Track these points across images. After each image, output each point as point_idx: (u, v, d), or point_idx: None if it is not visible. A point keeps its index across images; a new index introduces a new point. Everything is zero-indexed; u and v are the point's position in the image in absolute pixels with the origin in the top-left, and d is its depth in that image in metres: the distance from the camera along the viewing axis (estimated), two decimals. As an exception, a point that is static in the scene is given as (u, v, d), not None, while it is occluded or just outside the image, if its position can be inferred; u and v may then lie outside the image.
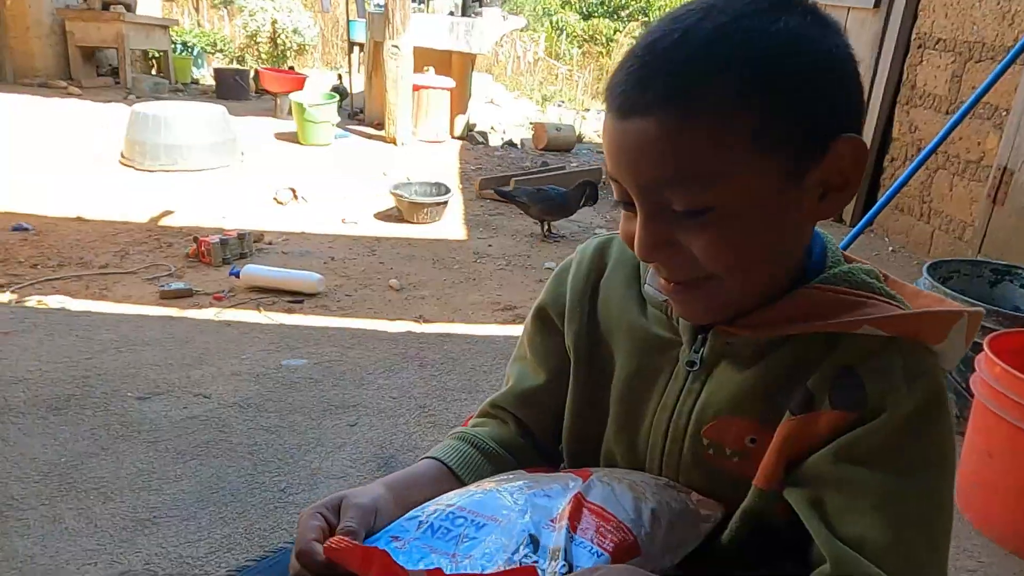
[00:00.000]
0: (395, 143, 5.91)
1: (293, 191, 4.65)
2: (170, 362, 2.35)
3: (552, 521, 0.66)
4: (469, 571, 0.62)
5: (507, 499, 0.70)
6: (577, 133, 6.94)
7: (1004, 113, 3.23)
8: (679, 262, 0.64)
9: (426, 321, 2.99)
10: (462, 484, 0.79)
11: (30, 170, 4.63)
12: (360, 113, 6.83)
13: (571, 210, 4.19)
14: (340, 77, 7.76)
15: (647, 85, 0.58)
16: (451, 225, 4.47)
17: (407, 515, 0.71)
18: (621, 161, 0.62)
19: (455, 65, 6.44)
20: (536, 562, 0.62)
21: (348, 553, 0.63)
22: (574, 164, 5.90)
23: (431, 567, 0.64)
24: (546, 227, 4.28)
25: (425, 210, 4.38)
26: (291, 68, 8.81)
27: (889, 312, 0.65)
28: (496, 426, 0.89)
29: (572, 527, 0.64)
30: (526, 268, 3.82)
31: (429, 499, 0.74)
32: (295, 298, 3.20)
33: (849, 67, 0.62)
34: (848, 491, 0.63)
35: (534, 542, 0.63)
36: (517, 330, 2.90)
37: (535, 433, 0.88)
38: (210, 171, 4.90)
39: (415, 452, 1.99)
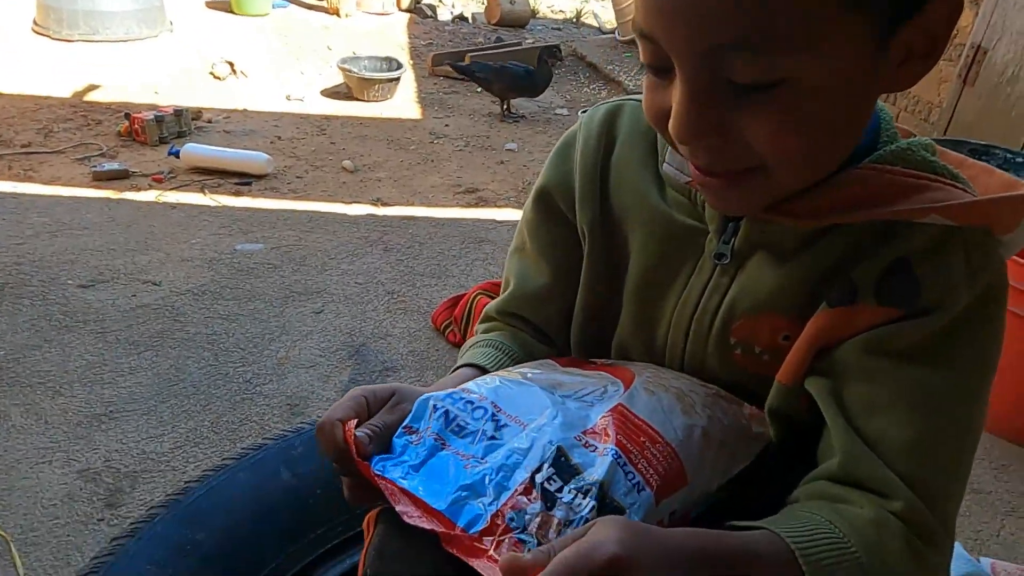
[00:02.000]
0: (338, 14, 5.49)
1: (231, 65, 4.30)
2: (112, 247, 2.17)
3: (586, 434, 0.56)
4: (487, 492, 0.53)
5: (536, 397, 0.60)
6: (532, 7, 6.58)
7: (983, -13, 3.12)
8: (727, 149, 0.52)
9: (384, 204, 2.84)
10: None
11: (-72, 37, 4.14)
12: (298, -20, 6.30)
13: (538, 90, 3.98)
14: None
15: None
16: (404, 103, 4.23)
17: (424, 395, 0.61)
18: (673, 16, 0.47)
19: (401, -73, 5.93)
20: (560, 489, 0.52)
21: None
22: (530, 40, 5.60)
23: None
24: (506, 106, 4.08)
25: (376, 87, 4.11)
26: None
27: (958, 199, 0.54)
28: (513, 333, 0.80)
29: (621, 448, 0.53)
30: (486, 149, 3.65)
31: None
32: (242, 180, 3.00)
33: None
34: (876, 383, 0.56)
35: (561, 458, 0.53)
36: (482, 213, 2.79)
37: (552, 336, 0.81)
38: (136, 42, 4.46)
39: (387, 340, 1.90)
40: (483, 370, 0.72)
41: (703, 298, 0.66)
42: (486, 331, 0.82)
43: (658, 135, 0.69)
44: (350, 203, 2.81)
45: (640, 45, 0.52)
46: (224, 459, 1.10)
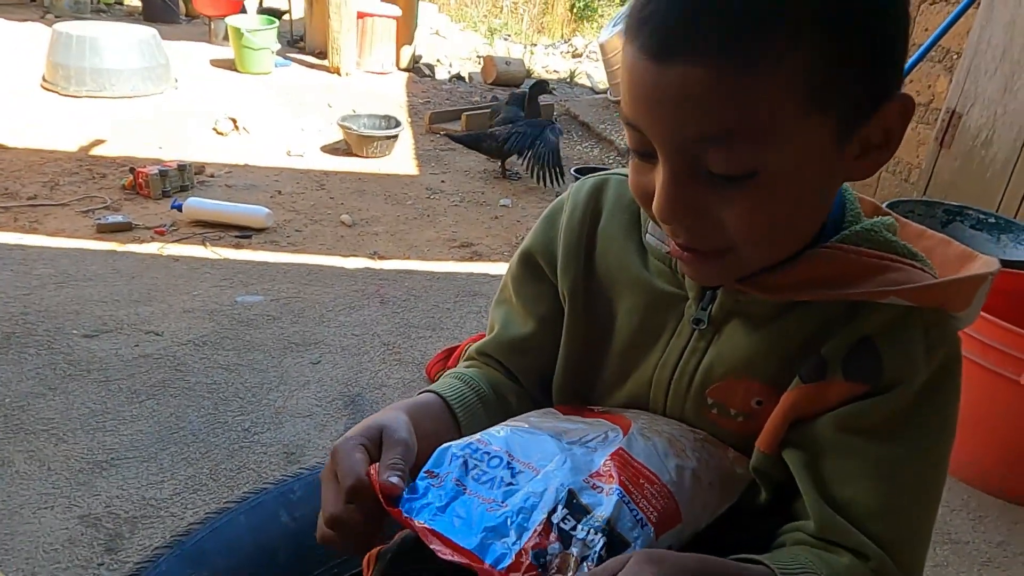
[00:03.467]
0: (339, 73, 5.67)
1: (234, 121, 4.43)
2: (116, 298, 2.23)
3: (592, 477, 0.61)
4: (509, 533, 0.57)
5: (545, 444, 0.66)
6: (527, 68, 6.80)
7: (955, 56, 3.28)
8: (702, 230, 0.57)
9: (381, 258, 2.92)
10: (457, 425, 0.75)
11: (-60, 92, 4.27)
12: (300, 41, 6.51)
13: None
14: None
15: (697, 25, 0.49)
16: (402, 160, 4.35)
17: (443, 445, 0.67)
18: (654, 110, 0.52)
19: (401, -8, 6.17)
20: (574, 528, 0.57)
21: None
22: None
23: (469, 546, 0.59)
24: (503, 165, 4.20)
25: (375, 144, 4.24)
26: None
27: (916, 281, 0.60)
28: (487, 373, 0.84)
29: (625, 490, 0.60)
30: (481, 205, 3.76)
31: (438, 432, 0.71)
32: (243, 233, 3.08)
33: (905, 4, 0.55)
34: (847, 457, 0.61)
35: (573, 500, 0.59)
36: (477, 268, 2.87)
37: (524, 384, 0.84)
38: (142, 98, 4.60)
39: (382, 390, 1.95)
40: (442, 399, 0.76)
41: (682, 360, 0.70)
42: (465, 368, 0.88)
43: (641, 208, 0.77)
44: (348, 256, 2.88)
45: (627, 131, 0.58)
46: (226, 503, 1.14)
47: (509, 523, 0.58)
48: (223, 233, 3.04)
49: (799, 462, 0.63)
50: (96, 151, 3.91)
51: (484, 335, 2.12)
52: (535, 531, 0.57)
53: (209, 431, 1.74)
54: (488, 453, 0.65)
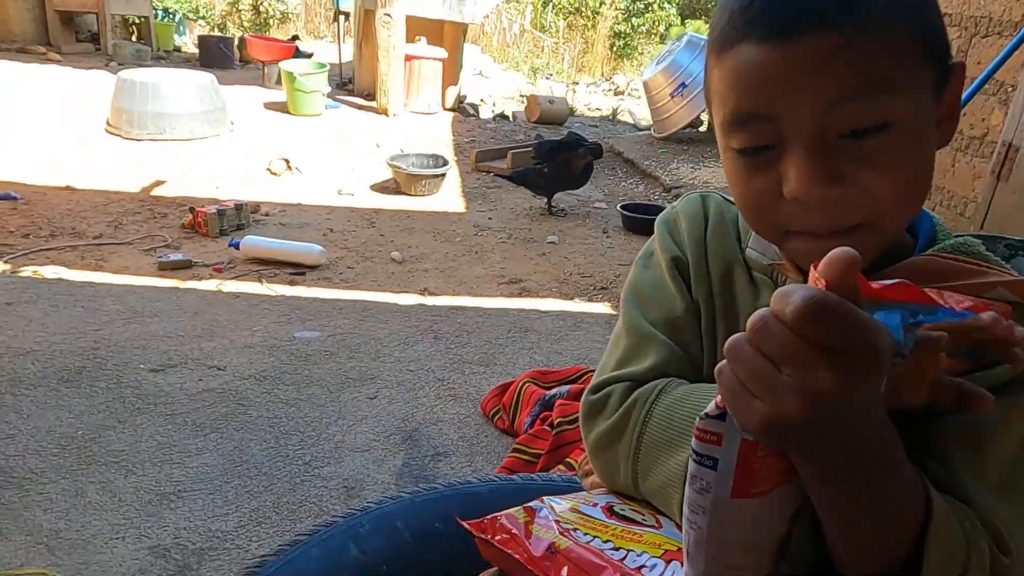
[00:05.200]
0: (387, 114, 5.82)
1: (287, 161, 4.57)
2: (180, 334, 2.30)
3: None
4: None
5: None
6: (570, 106, 6.89)
7: (1010, 89, 3.23)
8: (845, 198, 0.58)
9: (431, 294, 2.96)
10: None
11: (13, 137, 4.48)
12: (349, 83, 6.70)
13: (579, 182, 4.16)
14: (298, 47, 7.58)
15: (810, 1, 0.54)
16: (449, 198, 4.42)
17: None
18: (786, 88, 0.55)
19: (447, 35, 6.33)
20: None
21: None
22: (568, 137, 5.85)
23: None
24: (549, 201, 4.24)
25: (423, 182, 4.32)
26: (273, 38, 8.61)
27: (1019, 277, 0.61)
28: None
29: None
30: (528, 242, 3.79)
31: None
32: (297, 270, 3.16)
33: None
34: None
35: None
36: (526, 303, 2.89)
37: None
38: (200, 140, 4.78)
39: (438, 425, 1.97)
40: None
41: None
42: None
43: (739, 221, 0.77)
44: (399, 292, 2.93)
45: (736, 135, 0.59)
46: (297, 535, 1.17)
47: None
48: (278, 270, 3.13)
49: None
50: (157, 191, 4.06)
51: (538, 371, 2.12)
52: None
53: (271, 464, 1.77)
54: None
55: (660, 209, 4.13)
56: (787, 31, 0.54)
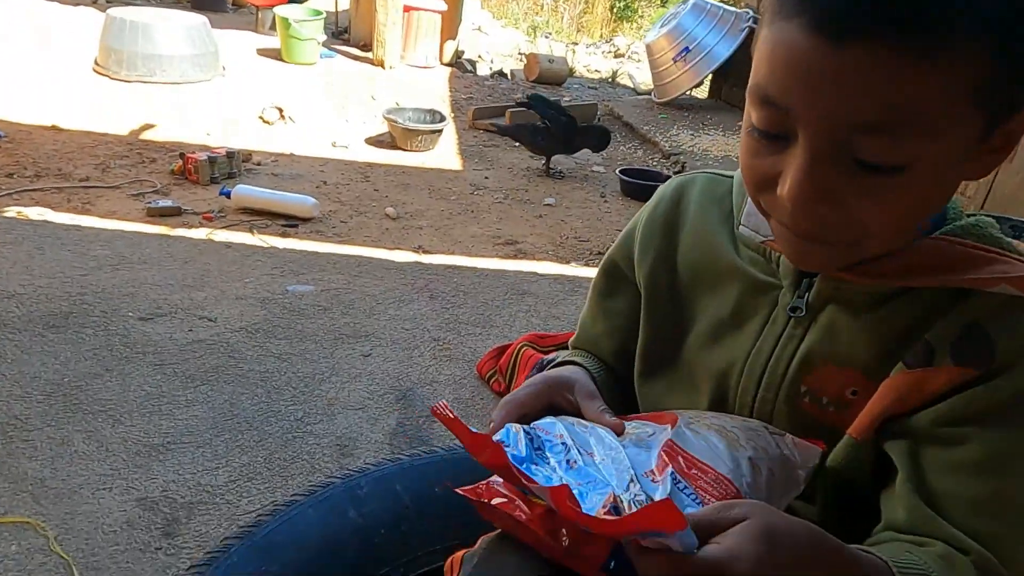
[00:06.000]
0: (383, 66, 5.67)
1: (280, 110, 4.46)
2: (170, 282, 2.25)
3: (648, 473, 0.63)
4: (590, 496, 0.59)
5: (603, 440, 0.68)
6: (569, 67, 6.76)
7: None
8: (833, 219, 0.55)
9: (426, 252, 2.91)
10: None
11: (-3, 73, 4.34)
12: (345, 33, 6.52)
13: (573, 146, 4.09)
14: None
15: (880, 5, 0.47)
16: (445, 155, 4.34)
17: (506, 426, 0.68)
18: (811, 90, 0.50)
19: (447, -13, 6.16)
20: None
21: (454, 426, 0.62)
22: (567, 99, 5.75)
23: (549, 481, 0.61)
24: (547, 163, 4.17)
25: (419, 138, 4.23)
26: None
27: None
28: (592, 360, 0.86)
29: (679, 473, 0.61)
30: (525, 203, 3.74)
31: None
32: (289, 222, 3.09)
33: None
34: (949, 446, 0.60)
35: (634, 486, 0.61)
36: (523, 266, 2.85)
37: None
38: (191, 84, 4.64)
39: (433, 386, 1.94)
40: (589, 373, 0.80)
41: (777, 348, 0.69)
42: (574, 355, 0.89)
43: (732, 198, 0.76)
44: (393, 249, 2.88)
45: (756, 110, 0.56)
46: (293, 495, 1.14)
47: (579, 494, 0.59)
48: (270, 221, 3.06)
49: (899, 451, 0.62)
50: (146, 135, 3.95)
51: (536, 335, 2.15)
52: (608, 497, 0.59)
53: (263, 420, 1.74)
54: (551, 440, 0.67)
55: (658, 175, 4.09)
56: (836, 31, 0.48)
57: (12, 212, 2.73)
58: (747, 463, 0.63)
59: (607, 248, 3.17)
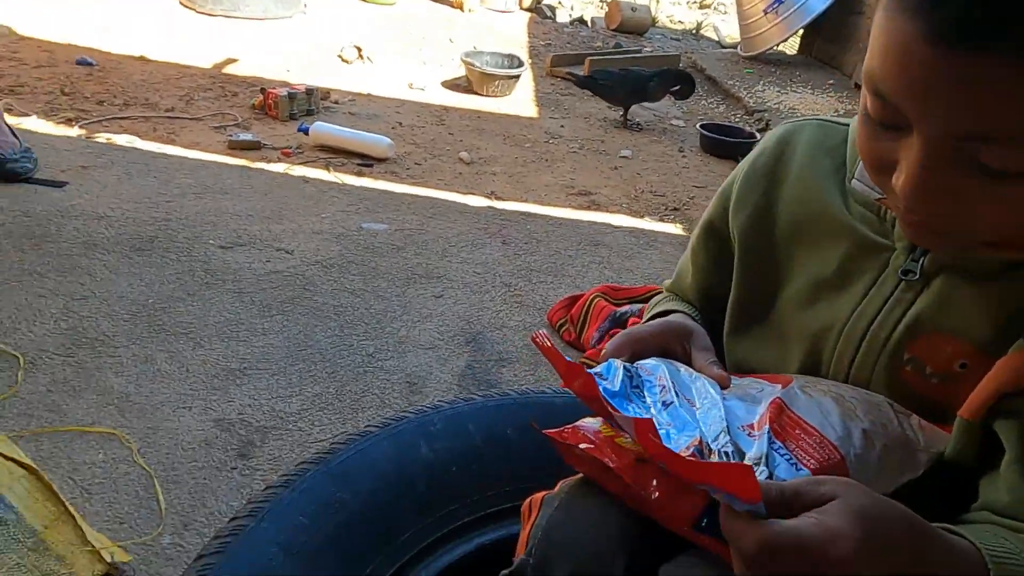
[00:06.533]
0: (462, 8, 5.60)
1: (359, 50, 4.44)
2: (250, 213, 2.28)
3: (746, 427, 0.61)
4: (679, 436, 0.58)
5: (705, 389, 0.66)
6: (652, 16, 6.53)
7: None
8: (952, 218, 0.52)
9: (498, 198, 2.88)
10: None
11: (89, 4, 4.44)
12: (424, -27, 6.44)
13: (655, 96, 3.97)
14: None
15: (1009, 14, 0.43)
16: (521, 101, 4.27)
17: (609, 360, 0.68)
18: (926, 95, 0.47)
19: (530, -72, 5.99)
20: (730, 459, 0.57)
21: (551, 355, 0.62)
22: (648, 49, 5.56)
23: (637, 415, 0.59)
24: (625, 114, 4.06)
25: (496, 82, 4.17)
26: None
27: None
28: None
29: (774, 433, 0.59)
30: (600, 154, 3.65)
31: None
32: (364, 161, 3.10)
33: None
34: None
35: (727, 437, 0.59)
36: (597, 217, 2.79)
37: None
38: (272, 20, 4.67)
39: (502, 331, 1.93)
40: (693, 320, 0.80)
41: (883, 311, 0.65)
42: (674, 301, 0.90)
43: (846, 148, 0.71)
44: (466, 194, 2.86)
45: (870, 98, 0.52)
46: (367, 426, 1.15)
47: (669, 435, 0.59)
48: (346, 160, 3.07)
49: (1010, 431, 0.57)
50: (228, 69, 3.99)
51: (608, 286, 2.13)
52: (695, 440, 0.58)
53: (335, 352, 1.76)
54: (651, 381, 0.66)
55: (741, 131, 3.93)
56: (957, 36, 0.44)
57: (103, 138, 2.81)
58: (860, 434, 0.59)
59: (683, 204, 3.09)
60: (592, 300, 1.93)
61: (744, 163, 0.79)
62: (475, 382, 1.74)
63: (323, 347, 1.78)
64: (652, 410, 0.63)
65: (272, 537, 0.94)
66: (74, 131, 2.89)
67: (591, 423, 0.75)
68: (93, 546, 1.21)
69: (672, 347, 0.73)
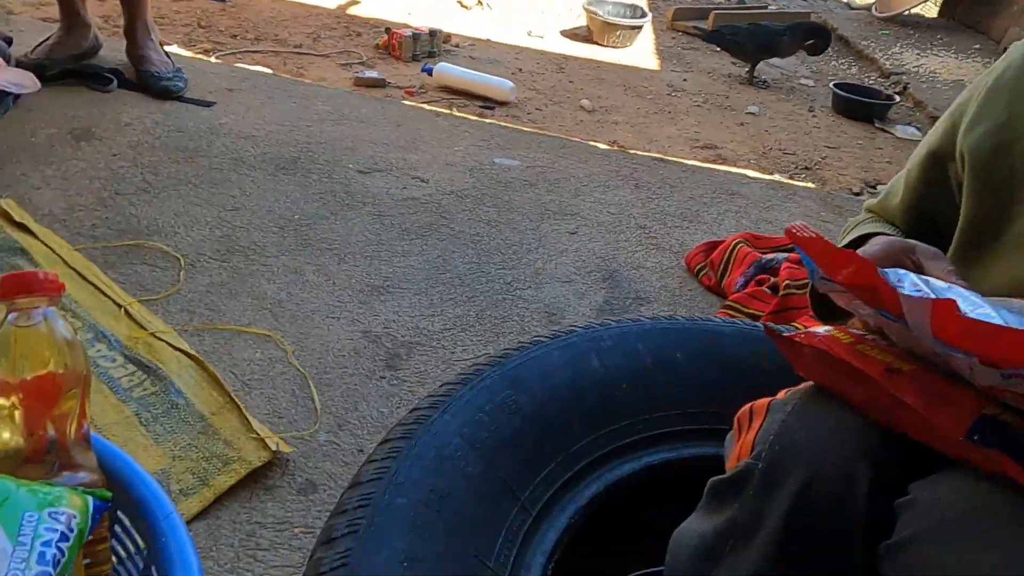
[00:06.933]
0: (580, -40, 5.46)
1: (478, -5, 4.41)
2: (385, 142, 2.30)
3: None
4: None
5: (966, 295, 0.60)
6: (777, -27, 6.21)
7: None
8: None
9: (620, 147, 2.81)
10: None
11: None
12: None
13: (786, 51, 3.79)
14: None
15: None
16: (642, 53, 4.16)
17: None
18: None
19: None
20: None
21: (814, 244, 0.60)
22: (774, 6, 5.31)
23: (933, 295, 0.54)
24: (751, 70, 3.90)
25: (618, 33, 4.06)
26: None
27: None
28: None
29: None
30: (725, 109, 3.52)
31: None
32: (486, 104, 3.08)
33: None
34: None
35: None
36: (726, 170, 2.69)
37: None
38: (393, -35, 4.68)
39: (639, 271, 1.88)
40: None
41: None
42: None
43: None
44: (588, 141, 2.80)
45: None
46: (536, 336, 1.13)
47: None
48: (468, 102, 3.06)
49: None
50: (352, 10, 4.03)
51: (751, 234, 2.05)
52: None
53: (474, 278, 1.76)
54: (911, 281, 0.61)
55: (878, 93, 3.71)
56: None
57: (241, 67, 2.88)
58: None
59: (815, 163, 2.96)
60: (736, 245, 1.86)
61: (984, 79, 0.74)
62: (613, 318, 1.71)
63: (461, 272, 1.77)
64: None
65: (455, 429, 0.93)
66: (212, 60, 2.98)
67: (822, 330, 0.71)
68: (258, 434, 1.25)
69: (903, 262, 0.69)
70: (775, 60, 4.03)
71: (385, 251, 1.80)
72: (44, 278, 0.79)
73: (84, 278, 1.52)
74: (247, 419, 1.27)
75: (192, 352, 1.39)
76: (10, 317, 0.79)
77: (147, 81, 2.25)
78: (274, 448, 1.23)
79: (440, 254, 1.83)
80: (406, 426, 0.94)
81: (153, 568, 0.68)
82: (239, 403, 1.30)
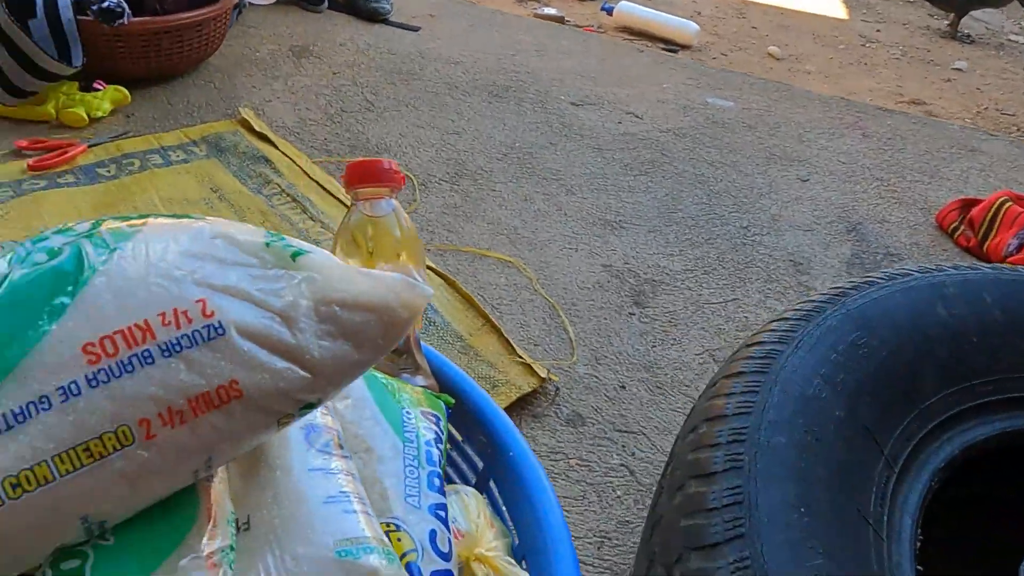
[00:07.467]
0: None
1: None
2: (592, 75, 2.19)
3: None
4: None
5: None
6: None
7: None
8: None
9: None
10: None
11: None
12: None
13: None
14: None
15: None
16: (827, 1, 3.85)
17: None
18: None
19: None
20: None
21: None
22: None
23: None
24: (955, 22, 3.54)
25: (803, -22, 3.77)
26: None
27: None
28: None
29: None
30: (927, 63, 3.21)
31: None
32: (668, 47, 2.91)
33: None
34: None
35: None
36: (960, 125, 2.44)
37: None
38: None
39: (884, 225, 1.71)
40: None
41: None
42: None
43: None
44: (803, 87, 2.60)
45: None
46: (866, 276, 1.01)
47: None
48: (649, 44, 2.90)
49: None
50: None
51: (1014, 193, 1.80)
52: None
53: (707, 221, 1.64)
54: None
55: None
56: None
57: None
58: None
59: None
60: (1003, 204, 1.65)
61: None
62: (864, 271, 1.56)
63: (693, 213, 1.66)
64: None
65: (812, 368, 0.83)
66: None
67: None
68: (522, 359, 1.19)
69: None
70: (977, 13, 3.65)
71: (611, 185, 1.70)
72: (390, 167, 0.73)
73: (326, 190, 1.49)
74: (508, 343, 1.21)
75: (442, 272, 1.34)
76: (358, 205, 0.73)
77: (356, 3, 2.22)
78: (543, 376, 1.16)
79: (668, 192, 1.71)
80: (756, 360, 0.84)
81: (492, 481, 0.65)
82: (498, 326, 1.24)
